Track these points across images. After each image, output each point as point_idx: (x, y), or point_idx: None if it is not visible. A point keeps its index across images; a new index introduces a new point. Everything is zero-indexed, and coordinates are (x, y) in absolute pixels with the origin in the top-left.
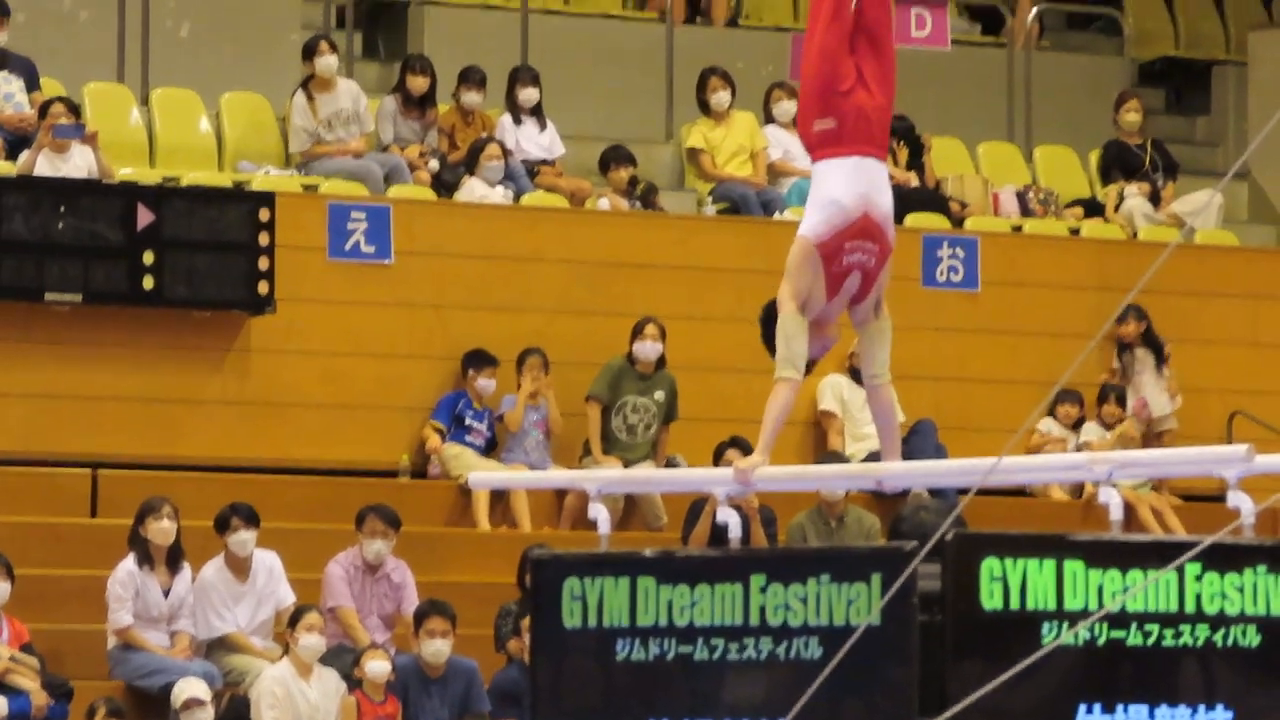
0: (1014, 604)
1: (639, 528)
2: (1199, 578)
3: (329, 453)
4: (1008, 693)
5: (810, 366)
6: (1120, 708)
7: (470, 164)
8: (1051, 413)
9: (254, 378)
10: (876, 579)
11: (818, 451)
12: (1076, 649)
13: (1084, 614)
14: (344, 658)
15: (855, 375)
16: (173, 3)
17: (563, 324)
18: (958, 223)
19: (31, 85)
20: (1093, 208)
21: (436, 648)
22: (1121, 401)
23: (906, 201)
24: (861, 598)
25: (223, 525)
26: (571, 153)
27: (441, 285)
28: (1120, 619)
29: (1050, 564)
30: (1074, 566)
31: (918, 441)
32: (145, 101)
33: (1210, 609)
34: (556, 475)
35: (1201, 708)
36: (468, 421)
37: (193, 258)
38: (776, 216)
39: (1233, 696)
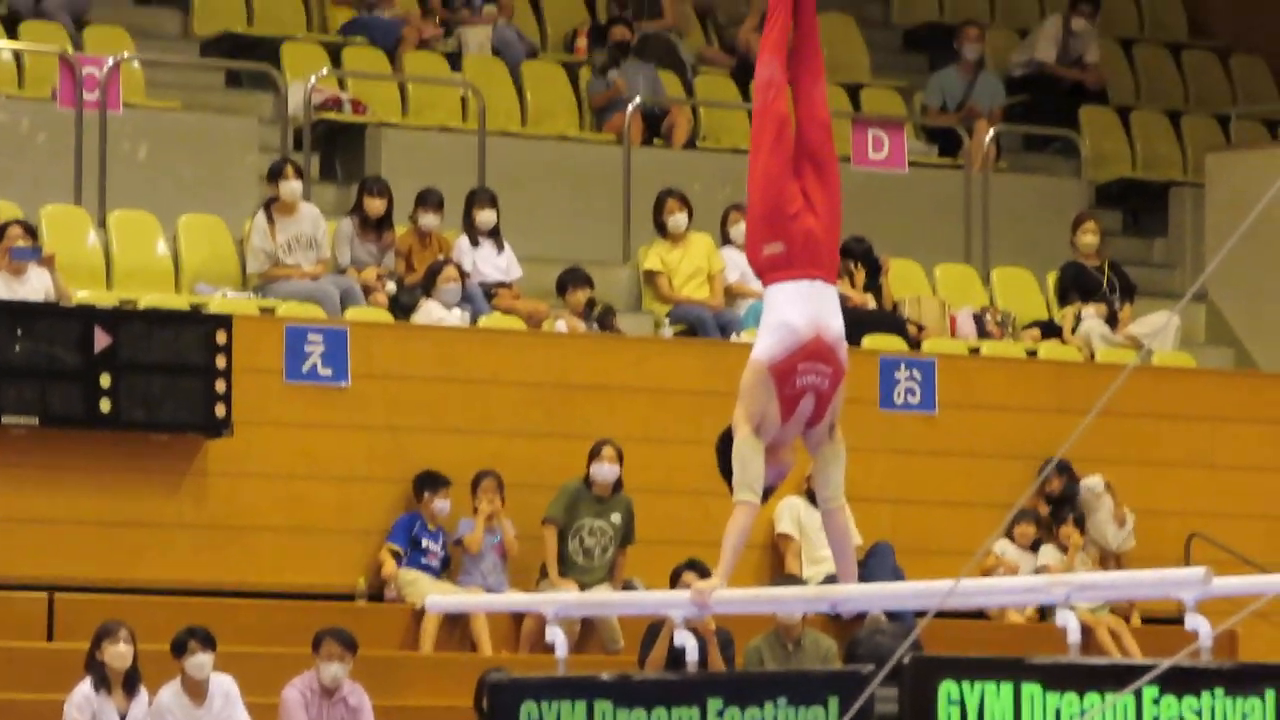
0: None
1: (596, 650)
2: (1156, 701)
3: (285, 576)
4: None
5: (767, 495)
6: None
7: (427, 286)
8: (1009, 534)
9: (211, 501)
10: (834, 702)
11: (775, 574)
12: None
13: None
14: None
15: (812, 498)
16: (130, 125)
17: (519, 446)
18: (915, 345)
19: None
20: (1050, 329)
21: None
22: (1080, 524)
23: (863, 323)
24: None
25: (180, 648)
26: (529, 275)
27: (398, 407)
28: None
29: (1008, 687)
30: (1031, 689)
31: (875, 564)
32: (103, 224)
33: None
34: (513, 598)
35: None
36: (423, 544)
37: (150, 380)
38: (734, 338)
39: None
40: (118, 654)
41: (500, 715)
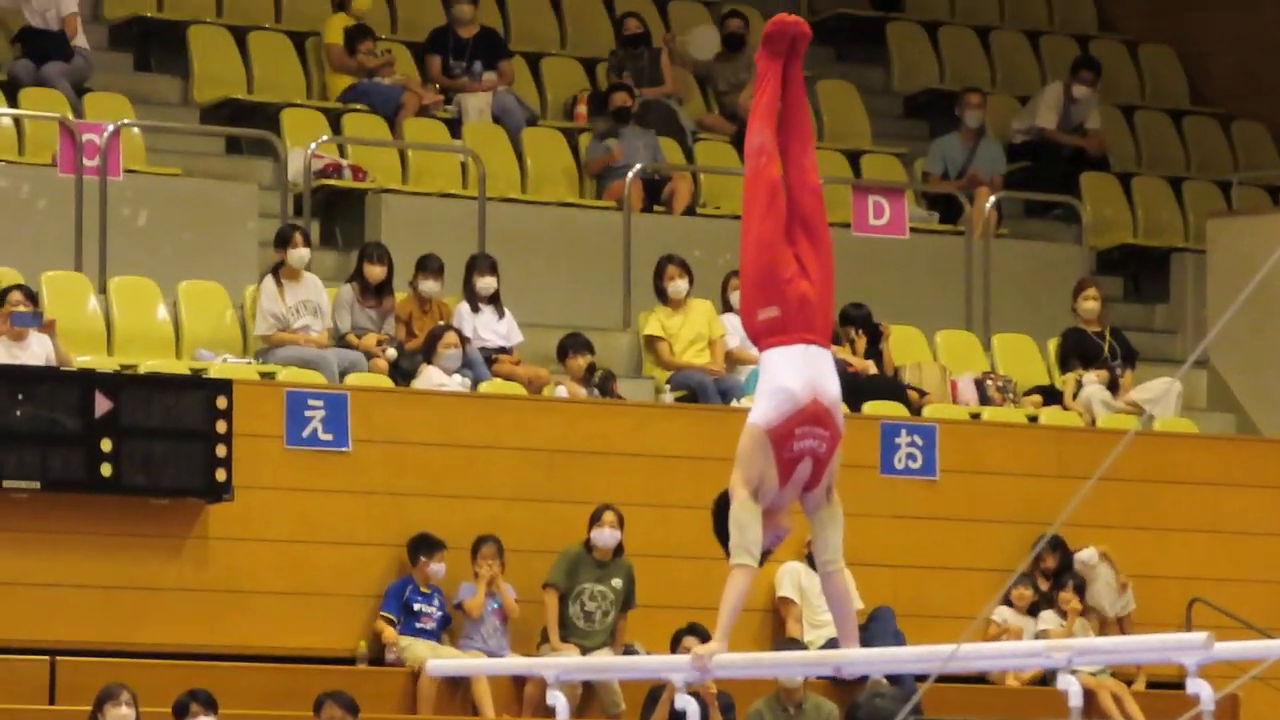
0: None
1: (597, 714)
2: None
3: (287, 640)
4: None
5: (764, 558)
6: None
7: (428, 352)
8: (1006, 599)
9: (212, 565)
10: None
11: (776, 638)
12: None
13: None
14: None
15: (813, 562)
16: (130, 191)
17: (520, 511)
18: (916, 410)
19: None
20: (1051, 395)
21: None
22: (1079, 591)
23: (864, 389)
24: None
25: (181, 712)
26: (529, 341)
27: (399, 473)
28: None
29: None
30: None
31: (876, 628)
32: (103, 290)
33: None
34: (514, 662)
35: None
36: (416, 608)
37: (151, 445)
38: (734, 404)
39: None
40: (120, 717)
41: None
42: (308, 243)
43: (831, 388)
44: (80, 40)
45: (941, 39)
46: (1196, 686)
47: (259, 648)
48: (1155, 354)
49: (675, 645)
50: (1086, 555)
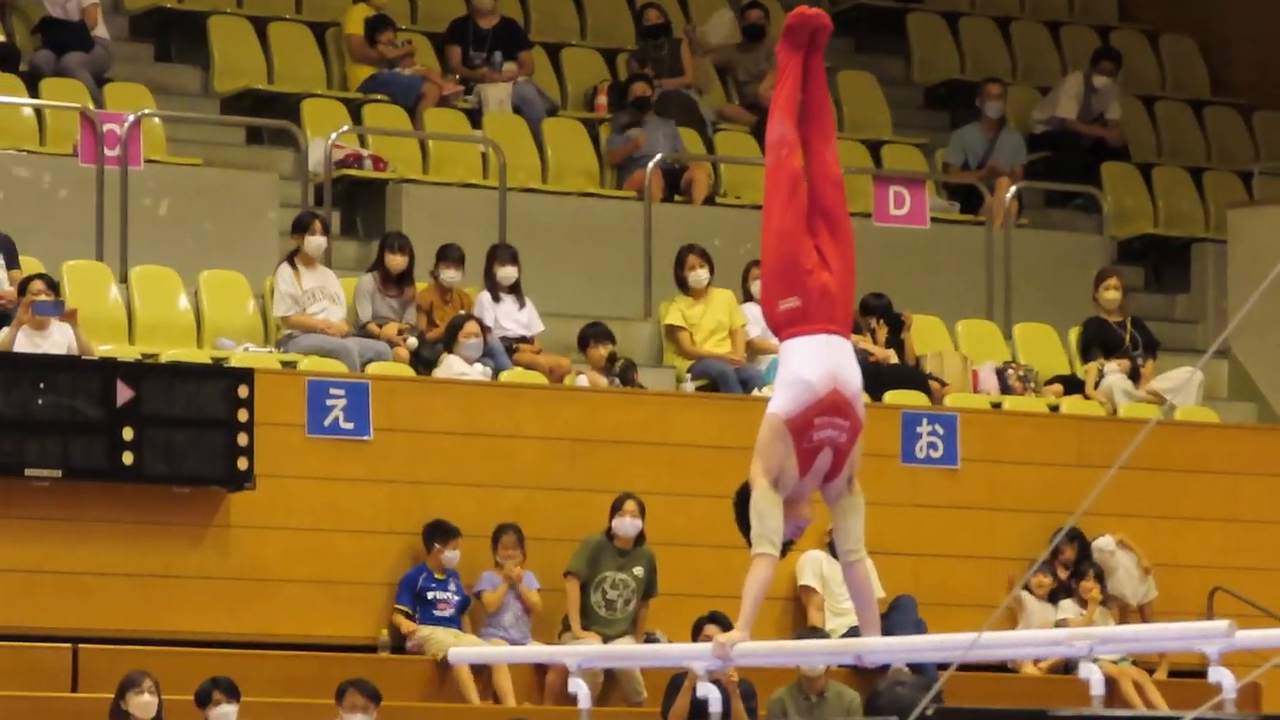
0: None
1: (619, 703)
2: None
3: (309, 627)
4: None
5: (786, 549)
6: None
7: (449, 341)
8: (1025, 586)
9: (234, 553)
10: None
11: (797, 626)
12: None
13: None
14: None
15: (834, 551)
16: (151, 181)
17: (541, 500)
18: (937, 400)
19: (11, 263)
20: (1072, 385)
21: None
22: (1100, 578)
23: (885, 379)
24: None
25: (204, 699)
26: (550, 330)
27: (420, 462)
28: None
29: None
30: None
31: (898, 617)
32: (124, 279)
33: None
34: (536, 650)
35: None
36: (430, 596)
37: (172, 434)
38: (755, 393)
39: None
40: (142, 704)
41: None
42: (326, 231)
43: (853, 378)
44: (101, 31)
45: (962, 29)
46: (1218, 675)
47: (281, 636)
48: (1176, 344)
49: (696, 633)
50: (1104, 543)
